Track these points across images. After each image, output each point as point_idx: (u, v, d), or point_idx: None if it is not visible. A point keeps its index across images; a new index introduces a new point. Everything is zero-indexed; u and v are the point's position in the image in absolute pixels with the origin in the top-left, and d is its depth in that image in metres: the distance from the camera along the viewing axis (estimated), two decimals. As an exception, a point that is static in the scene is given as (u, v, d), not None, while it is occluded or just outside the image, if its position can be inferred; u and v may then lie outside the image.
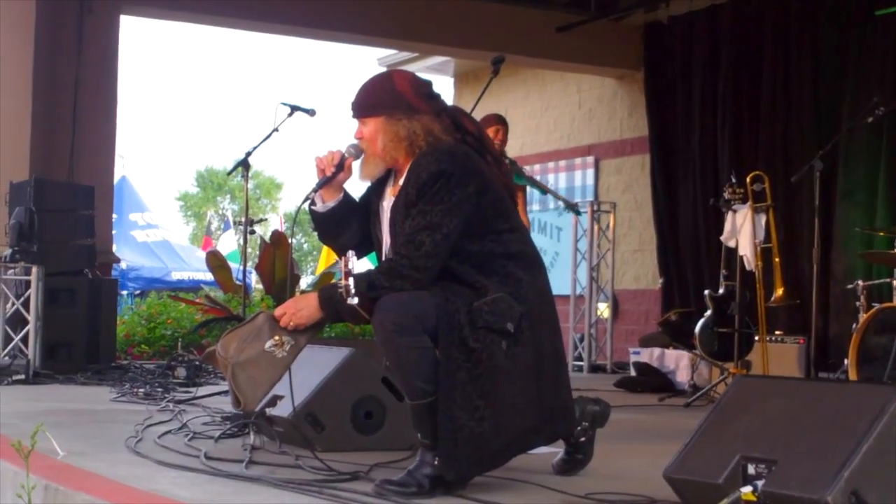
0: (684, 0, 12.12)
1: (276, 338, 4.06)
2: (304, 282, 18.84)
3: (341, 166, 4.17)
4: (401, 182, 4.11)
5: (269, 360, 4.06)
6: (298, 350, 4.12)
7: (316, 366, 5.05)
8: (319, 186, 4.20)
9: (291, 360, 4.11)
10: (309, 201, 4.26)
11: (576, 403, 4.38)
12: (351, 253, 3.98)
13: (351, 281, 3.91)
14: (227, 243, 22.89)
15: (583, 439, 4.41)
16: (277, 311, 4.10)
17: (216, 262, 14.15)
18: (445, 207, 3.94)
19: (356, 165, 4.21)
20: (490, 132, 8.37)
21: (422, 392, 3.92)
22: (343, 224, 4.27)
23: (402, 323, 3.87)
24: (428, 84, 4.23)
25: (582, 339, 12.55)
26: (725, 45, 11.94)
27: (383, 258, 4.18)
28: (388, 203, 4.19)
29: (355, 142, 4.20)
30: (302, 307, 4.05)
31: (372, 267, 4.09)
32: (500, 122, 8.47)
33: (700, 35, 12.27)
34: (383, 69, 11.79)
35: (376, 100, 4.15)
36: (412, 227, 3.96)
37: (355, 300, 3.90)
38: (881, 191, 9.99)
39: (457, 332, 3.89)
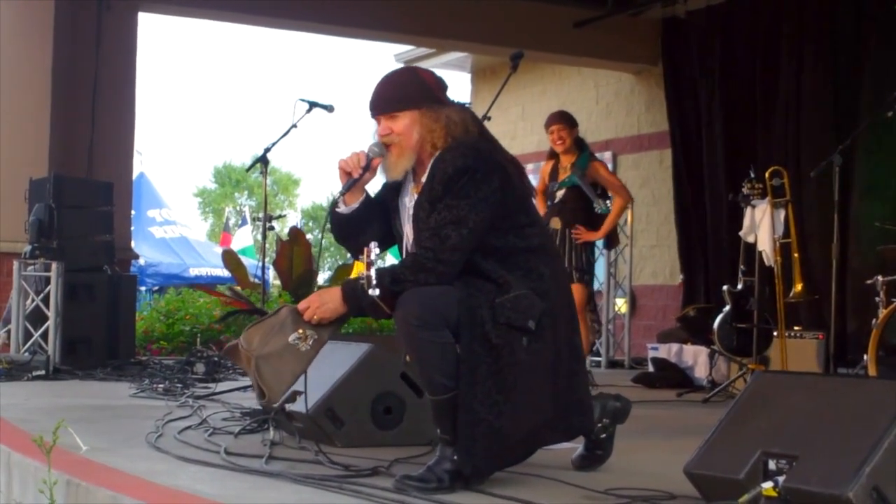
0: (702, -6, 12.11)
1: (300, 331, 4.07)
2: (322, 278, 18.83)
3: (368, 167, 4.16)
4: (423, 179, 4.11)
5: (293, 353, 4.07)
6: (322, 344, 4.13)
7: (335, 361, 5.06)
8: (347, 189, 4.18)
9: (315, 353, 4.12)
10: (335, 206, 4.25)
11: (596, 400, 4.38)
12: (373, 244, 3.98)
13: (373, 272, 3.91)
14: (243, 238, 22.94)
15: (603, 436, 4.42)
16: (301, 305, 4.10)
17: (233, 260, 14.20)
18: (472, 202, 3.95)
19: (381, 166, 4.18)
20: (553, 130, 8.38)
21: (442, 387, 3.93)
22: (364, 224, 4.26)
23: (425, 317, 3.88)
24: (445, 83, 4.24)
25: (600, 335, 12.54)
26: (743, 38, 11.91)
27: (405, 254, 4.19)
28: (409, 199, 4.19)
29: (374, 140, 4.18)
30: (326, 301, 4.06)
31: (395, 261, 4.11)
32: (561, 119, 8.43)
33: (718, 29, 12.23)
34: (400, 65, 11.78)
35: (407, 93, 4.14)
36: (438, 221, 3.97)
37: (377, 291, 3.90)
38: (900, 185, 9.96)
39: (479, 328, 3.90)
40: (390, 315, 3.99)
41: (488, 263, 4.01)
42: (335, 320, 4.11)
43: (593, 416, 4.33)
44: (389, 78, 4.23)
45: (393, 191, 4.31)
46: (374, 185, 4.33)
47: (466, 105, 4.32)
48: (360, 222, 4.26)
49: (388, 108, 4.15)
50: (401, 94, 4.15)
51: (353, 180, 4.17)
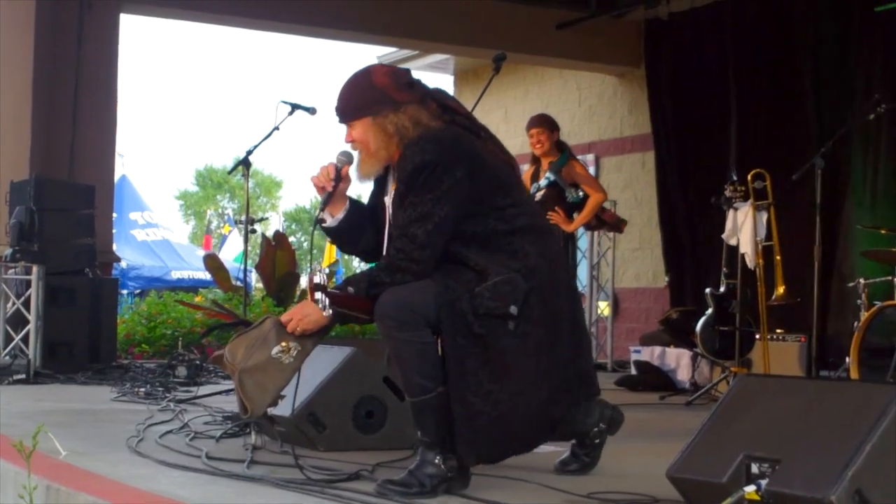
0: (685, -4, 12.13)
1: (283, 343, 4.07)
2: (305, 281, 18.80)
3: (339, 177, 4.17)
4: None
5: (276, 366, 4.07)
6: (306, 355, 4.13)
7: (317, 365, 5.04)
8: (325, 204, 4.21)
9: (299, 365, 4.13)
10: (319, 223, 4.26)
11: (595, 405, 4.36)
12: (318, 266, 4.02)
13: (320, 296, 3.97)
14: (234, 245, 22.88)
15: (597, 441, 4.40)
16: (284, 318, 4.11)
17: (214, 263, 14.22)
18: (434, 196, 3.94)
19: (352, 170, 4.20)
20: (533, 133, 8.38)
21: (421, 388, 3.92)
22: (357, 231, 4.28)
23: (401, 318, 3.88)
24: (406, 73, 4.21)
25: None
26: (726, 41, 11.91)
27: (385, 251, 4.19)
28: (389, 199, 4.20)
29: (344, 149, 4.19)
30: (308, 313, 4.06)
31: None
32: (541, 123, 8.42)
33: (701, 31, 12.24)
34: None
35: (359, 101, 4.13)
36: (404, 219, 3.97)
37: (329, 312, 3.97)
38: (882, 188, 9.98)
39: (461, 320, 3.91)
40: (372, 319, 3.98)
41: (469, 251, 4.01)
42: (318, 331, 4.10)
43: (597, 383, 4.35)
44: (346, 86, 4.21)
45: (379, 191, 4.31)
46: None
47: (436, 89, 4.27)
48: (353, 229, 4.27)
49: (344, 118, 4.17)
50: (353, 103, 4.15)
51: (327, 195, 4.19)
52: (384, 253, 4.17)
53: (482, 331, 3.90)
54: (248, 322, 4.25)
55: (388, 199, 4.22)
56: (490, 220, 4.04)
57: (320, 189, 4.20)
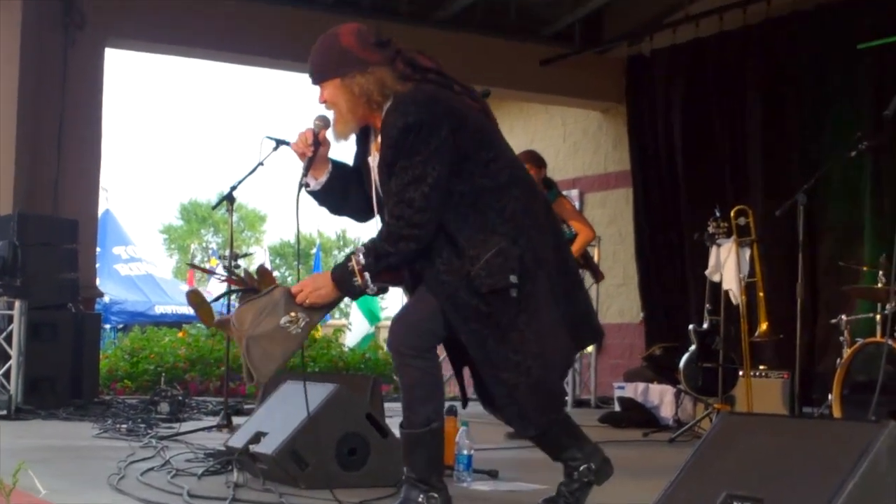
0: (668, 33, 12.18)
1: (293, 314, 4.09)
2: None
3: (317, 142, 4.19)
4: (380, 140, 4.12)
5: (283, 335, 4.08)
6: (312, 327, 4.17)
7: (300, 402, 5.02)
8: (307, 169, 4.22)
9: (305, 336, 4.17)
10: (304, 187, 4.26)
11: (595, 449, 4.32)
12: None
13: (365, 274, 3.97)
14: (217, 288, 22.78)
15: (585, 480, 4.34)
16: (294, 288, 4.12)
17: (197, 299, 14.12)
18: (424, 157, 3.94)
19: (330, 133, 4.21)
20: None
21: (425, 420, 3.98)
22: (344, 193, 4.30)
23: (418, 344, 3.97)
24: (374, 31, 4.18)
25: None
26: (707, 77, 11.98)
27: (376, 213, 4.23)
28: (373, 159, 4.21)
29: (320, 113, 4.21)
30: (320, 286, 4.06)
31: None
32: (529, 160, 8.42)
33: (682, 68, 12.30)
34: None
35: (327, 62, 4.13)
36: (398, 185, 3.97)
37: (368, 281, 3.96)
38: (863, 225, 10.01)
39: (466, 309, 3.95)
40: (393, 285, 4.07)
41: (458, 222, 4.00)
42: (326, 305, 4.12)
43: (599, 324, 4.40)
44: (315, 46, 4.21)
45: (363, 153, 4.31)
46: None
47: (407, 48, 4.23)
48: (340, 191, 4.29)
49: (314, 79, 4.18)
50: (322, 64, 4.14)
51: (308, 160, 4.20)
52: (378, 217, 4.21)
53: (489, 309, 3.94)
54: (258, 290, 4.25)
55: (371, 160, 4.22)
56: (476, 177, 4.03)
57: (301, 155, 4.21)
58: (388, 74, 4.06)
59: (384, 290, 4.11)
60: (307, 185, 4.24)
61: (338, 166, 4.28)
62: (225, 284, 5.03)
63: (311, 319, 4.12)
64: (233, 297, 9.05)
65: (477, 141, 4.06)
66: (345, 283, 4.00)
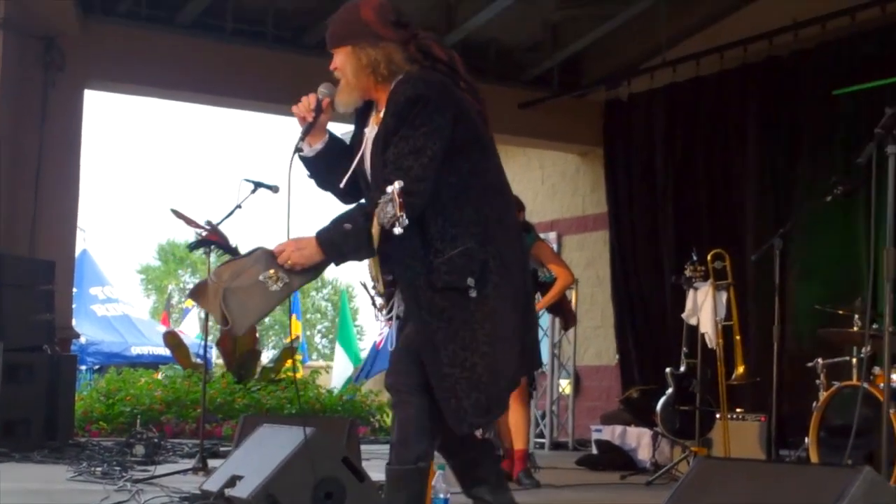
0: (645, 78, 12.26)
1: (272, 272, 4.05)
2: (266, 356, 18.70)
3: (319, 108, 4.23)
4: (381, 114, 4.16)
5: (261, 290, 4.05)
6: (290, 291, 4.12)
7: (275, 446, 5.01)
8: (305, 133, 4.25)
9: (284, 297, 4.13)
10: (297, 152, 4.28)
11: (505, 490, 4.32)
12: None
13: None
14: (192, 325, 22.73)
15: None
16: (277, 248, 4.08)
17: (174, 340, 14.19)
18: (427, 131, 3.98)
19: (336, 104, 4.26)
20: None
21: (415, 457, 4.02)
22: (334, 164, 4.31)
23: (413, 382, 4.04)
24: (396, 11, 4.25)
25: (544, 416, 12.52)
26: (684, 121, 12.05)
27: (363, 185, 4.23)
28: (369, 130, 4.24)
29: (327, 82, 4.26)
30: (303, 246, 4.02)
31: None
32: None
33: (659, 112, 12.37)
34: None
35: (343, 30, 4.21)
36: (396, 153, 3.98)
37: (399, 230, 3.83)
38: (839, 268, 10.06)
39: (422, 299, 4.01)
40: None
41: (436, 211, 4.02)
42: (308, 269, 4.06)
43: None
44: (337, 13, 4.29)
45: (360, 130, 4.34)
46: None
47: (424, 34, 4.30)
48: (330, 162, 4.31)
49: (330, 43, 4.25)
50: (338, 31, 4.22)
51: (308, 124, 4.24)
52: (363, 184, 4.21)
53: (445, 304, 3.99)
54: (236, 250, 4.24)
55: (367, 131, 4.26)
56: (464, 173, 4.08)
57: (301, 119, 4.25)
58: (398, 52, 4.15)
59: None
60: (300, 150, 4.28)
61: (334, 139, 4.35)
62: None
63: (291, 282, 4.07)
64: (208, 339, 9.02)
65: (472, 138, 4.13)
66: (332, 244, 3.96)
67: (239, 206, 7.78)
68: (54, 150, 11.01)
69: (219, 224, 7.86)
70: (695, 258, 8.48)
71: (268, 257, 4.07)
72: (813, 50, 10.63)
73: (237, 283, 4.04)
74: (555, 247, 13.64)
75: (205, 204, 73.36)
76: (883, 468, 4.55)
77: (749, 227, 10.96)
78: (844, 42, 10.32)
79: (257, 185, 7.80)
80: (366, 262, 4.14)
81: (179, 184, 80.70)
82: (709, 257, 8.44)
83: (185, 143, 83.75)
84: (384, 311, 4.25)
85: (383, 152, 4.04)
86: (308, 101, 4.24)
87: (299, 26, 12.08)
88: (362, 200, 4.19)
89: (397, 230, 3.77)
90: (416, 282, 4.00)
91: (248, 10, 11.92)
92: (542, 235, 9.05)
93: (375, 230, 3.84)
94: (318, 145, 4.28)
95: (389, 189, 3.77)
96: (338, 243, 3.95)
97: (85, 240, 21.08)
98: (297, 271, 4.04)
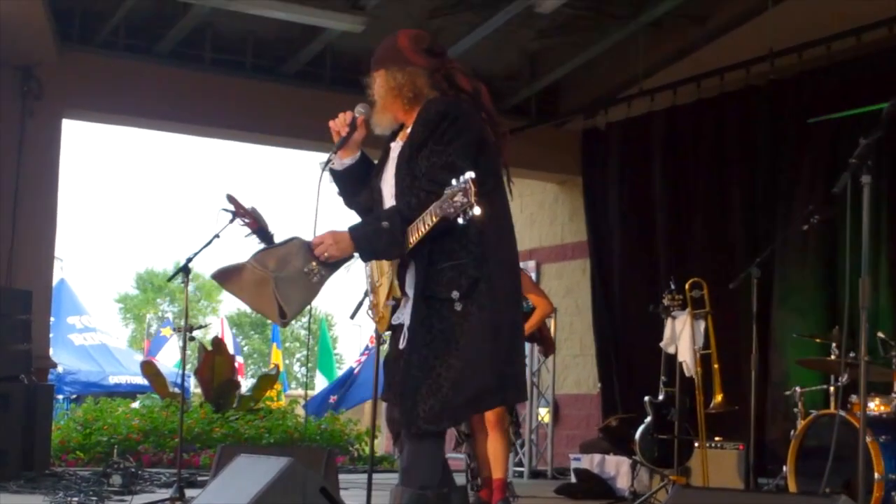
0: (623, 107, 12.31)
1: (313, 264, 4.19)
2: (245, 385, 18.62)
3: (354, 125, 4.45)
4: (408, 130, 4.33)
5: (305, 282, 4.20)
6: (324, 282, 4.25)
7: (253, 476, 4.98)
8: (338, 147, 4.47)
9: (320, 289, 4.26)
10: (328, 164, 4.48)
11: None
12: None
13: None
14: (172, 351, 22.69)
15: None
16: (315, 240, 4.23)
17: (151, 370, 14.19)
18: (457, 148, 4.16)
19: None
20: None
21: (422, 487, 4.14)
22: (361, 181, 4.51)
23: (432, 413, 4.12)
24: (429, 39, 4.51)
25: (523, 445, 12.50)
26: (660, 150, 12.09)
27: (377, 199, 4.40)
28: (395, 144, 4.42)
29: (364, 101, 4.49)
30: (340, 239, 4.20)
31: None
32: None
33: (636, 141, 12.41)
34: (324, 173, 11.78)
35: (381, 54, 4.48)
36: (428, 167, 4.17)
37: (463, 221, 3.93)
38: (816, 297, 10.10)
39: (414, 304, 4.16)
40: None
41: (442, 236, 4.12)
42: (338, 261, 4.24)
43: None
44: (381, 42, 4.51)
45: (388, 143, 4.53)
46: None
47: (453, 65, 4.52)
48: (358, 178, 4.52)
49: (370, 68, 4.49)
50: (377, 55, 4.49)
51: (342, 139, 4.46)
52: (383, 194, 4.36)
53: (428, 311, 4.13)
54: (271, 236, 4.38)
55: (393, 145, 4.42)
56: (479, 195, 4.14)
57: (336, 133, 4.47)
58: (422, 78, 4.38)
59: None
60: (331, 163, 4.47)
61: (365, 158, 4.54)
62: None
63: (325, 274, 4.22)
64: (185, 368, 8.94)
65: (489, 166, 4.27)
66: (367, 241, 4.14)
67: (217, 236, 7.76)
68: (32, 179, 10.98)
69: (197, 254, 7.86)
70: (672, 287, 8.50)
71: (306, 249, 4.21)
72: (789, 79, 10.70)
73: (285, 274, 4.21)
74: (533, 275, 13.67)
75: (183, 231, 73.21)
76: (860, 496, 4.56)
77: (727, 256, 10.98)
78: (821, 71, 10.40)
79: (235, 214, 7.78)
80: (365, 270, 4.39)
81: (158, 213, 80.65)
82: (686, 286, 8.46)
83: (164, 172, 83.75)
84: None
85: (409, 159, 4.21)
86: (344, 117, 4.47)
87: (278, 56, 12.11)
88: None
89: (461, 220, 3.88)
90: (416, 286, 4.16)
91: (226, 40, 11.93)
92: (521, 265, 9.05)
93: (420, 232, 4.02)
94: (348, 160, 4.50)
95: (461, 179, 3.88)
96: (372, 239, 4.13)
97: (63, 269, 21.02)
98: (329, 264, 4.21)
